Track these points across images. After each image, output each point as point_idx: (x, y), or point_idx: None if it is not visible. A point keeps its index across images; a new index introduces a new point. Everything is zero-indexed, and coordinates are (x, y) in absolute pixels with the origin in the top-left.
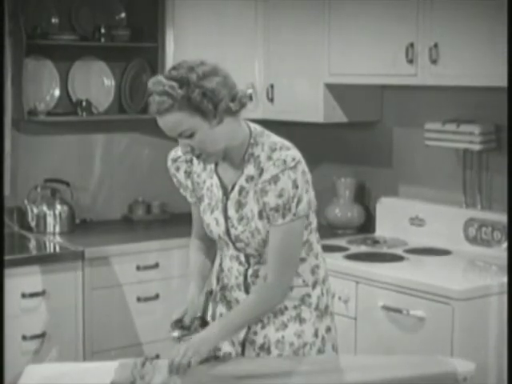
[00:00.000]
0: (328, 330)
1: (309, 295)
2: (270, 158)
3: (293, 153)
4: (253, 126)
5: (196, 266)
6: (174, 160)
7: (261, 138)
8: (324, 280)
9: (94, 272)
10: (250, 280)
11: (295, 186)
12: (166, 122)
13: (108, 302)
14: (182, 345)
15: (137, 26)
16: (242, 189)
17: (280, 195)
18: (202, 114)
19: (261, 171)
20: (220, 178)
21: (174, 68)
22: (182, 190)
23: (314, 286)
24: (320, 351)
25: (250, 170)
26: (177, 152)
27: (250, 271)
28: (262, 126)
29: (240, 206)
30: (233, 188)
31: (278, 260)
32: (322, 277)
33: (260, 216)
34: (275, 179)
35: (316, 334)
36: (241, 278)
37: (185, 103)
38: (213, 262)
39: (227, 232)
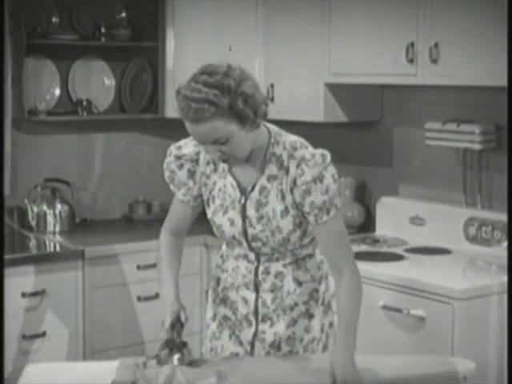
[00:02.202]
0: (331, 325)
1: (316, 290)
2: (292, 156)
3: (318, 150)
4: (270, 125)
5: (172, 263)
6: (178, 157)
7: (280, 137)
8: (327, 275)
9: (95, 271)
10: (260, 277)
11: (335, 181)
12: (203, 129)
13: (108, 301)
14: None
15: (137, 26)
16: (262, 188)
17: (326, 191)
18: (241, 121)
19: (286, 170)
20: (236, 178)
21: (205, 73)
22: (172, 187)
23: (319, 281)
24: (325, 347)
25: (271, 169)
26: (180, 150)
27: (260, 268)
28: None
29: (260, 205)
30: (253, 188)
31: (339, 249)
32: (325, 272)
33: (282, 215)
34: (320, 178)
35: (322, 329)
36: (250, 276)
37: (227, 111)
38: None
39: (244, 231)
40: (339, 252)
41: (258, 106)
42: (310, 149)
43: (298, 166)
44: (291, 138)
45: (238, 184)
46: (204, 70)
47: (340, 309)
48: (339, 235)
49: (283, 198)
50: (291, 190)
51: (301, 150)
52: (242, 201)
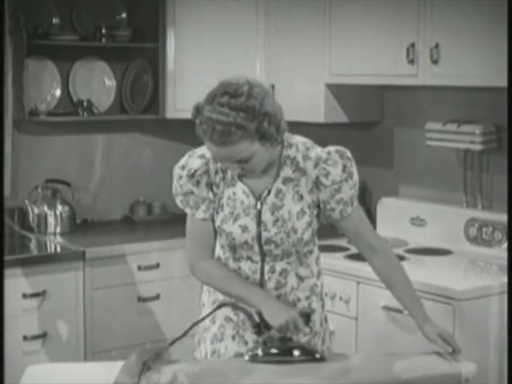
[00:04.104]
0: (325, 319)
1: (316, 285)
2: (308, 157)
3: (331, 148)
4: None
5: (238, 276)
6: (191, 175)
7: (291, 139)
8: (322, 271)
9: (95, 272)
10: (266, 276)
11: (357, 172)
12: (228, 151)
13: (109, 302)
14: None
15: (138, 26)
16: (278, 191)
17: (354, 185)
18: (265, 140)
19: (303, 172)
20: (247, 185)
21: (227, 94)
22: (189, 209)
23: (318, 276)
24: (323, 341)
25: (286, 171)
26: (188, 167)
27: (266, 267)
28: None
29: (276, 208)
30: (269, 192)
31: (367, 231)
32: (321, 268)
33: (298, 216)
34: (350, 175)
35: (321, 324)
36: (254, 276)
37: (253, 133)
38: None
39: (258, 236)
40: (368, 233)
41: (279, 123)
42: (320, 148)
43: (316, 165)
44: (300, 139)
45: (251, 191)
46: (226, 90)
47: (397, 283)
48: (363, 219)
49: (300, 199)
50: (312, 190)
51: (313, 150)
52: (258, 206)
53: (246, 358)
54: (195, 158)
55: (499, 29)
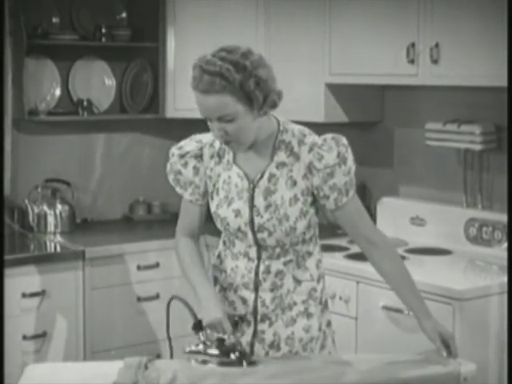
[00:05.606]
0: (328, 324)
1: (315, 289)
2: (303, 142)
3: (328, 135)
4: (277, 116)
5: (199, 262)
6: (182, 156)
7: (287, 125)
8: (324, 274)
9: (95, 272)
10: (261, 277)
11: (353, 161)
12: (211, 102)
13: (108, 301)
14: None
15: (138, 26)
16: (271, 176)
17: (348, 172)
18: (250, 102)
19: (296, 157)
20: (242, 169)
21: (224, 50)
22: (179, 189)
23: (318, 280)
24: (322, 346)
25: (280, 156)
26: (183, 148)
27: (261, 267)
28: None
29: (269, 193)
30: (262, 176)
31: (366, 224)
32: (323, 271)
33: (291, 202)
34: (344, 160)
35: (320, 328)
36: (250, 276)
37: (237, 88)
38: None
39: (251, 221)
40: (366, 226)
41: (268, 92)
42: (317, 136)
43: (311, 150)
44: (298, 126)
45: (245, 174)
46: (224, 48)
47: (398, 278)
48: (360, 212)
49: (293, 184)
50: (305, 175)
51: (310, 137)
52: (251, 190)
53: (187, 350)
54: (192, 142)
55: (499, 28)
